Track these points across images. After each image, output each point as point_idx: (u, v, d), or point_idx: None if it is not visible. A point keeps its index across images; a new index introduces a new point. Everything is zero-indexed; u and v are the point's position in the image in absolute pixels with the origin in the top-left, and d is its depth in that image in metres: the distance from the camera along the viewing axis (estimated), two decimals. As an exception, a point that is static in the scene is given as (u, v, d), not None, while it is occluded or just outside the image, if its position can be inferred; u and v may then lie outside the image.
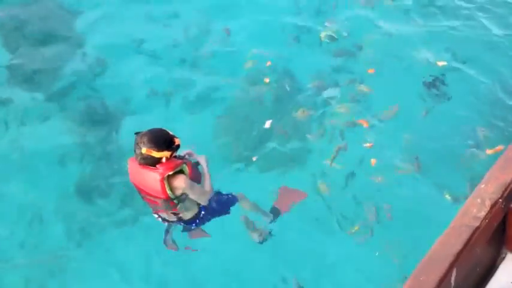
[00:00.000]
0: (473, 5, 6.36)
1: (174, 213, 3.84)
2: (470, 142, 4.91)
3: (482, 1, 6.36)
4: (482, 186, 2.30)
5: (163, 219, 3.97)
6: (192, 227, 4.05)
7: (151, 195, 3.71)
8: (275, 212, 4.56)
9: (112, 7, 6.69)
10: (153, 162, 3.52)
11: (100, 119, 5.48)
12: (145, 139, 3.45)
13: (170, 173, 3.54)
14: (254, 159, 5.01)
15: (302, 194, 4.77)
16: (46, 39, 6.25)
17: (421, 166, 4.72)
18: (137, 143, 3.49)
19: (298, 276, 4.16)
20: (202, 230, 4.22)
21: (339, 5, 6.53)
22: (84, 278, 4.30)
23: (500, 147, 4.76)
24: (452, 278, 2.13)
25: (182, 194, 3.69)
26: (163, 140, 3.49)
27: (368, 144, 4.95)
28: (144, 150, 3.45)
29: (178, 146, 3.55)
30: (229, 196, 4.14)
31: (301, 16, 6.45)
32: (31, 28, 6.42)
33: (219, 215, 4.08)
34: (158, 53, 6.07)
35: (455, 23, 6.13)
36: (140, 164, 3.55)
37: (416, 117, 5.15)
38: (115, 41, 6.24)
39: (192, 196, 3.73)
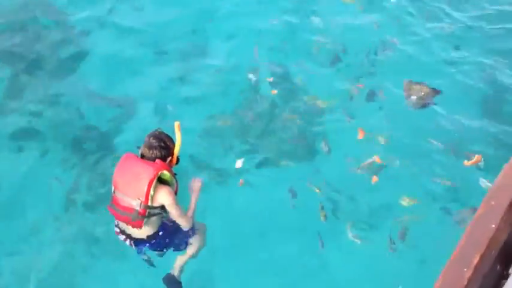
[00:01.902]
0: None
1: (134, 226, 3.78)
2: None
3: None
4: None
5: (121, 232, 3.93)
6: (142, 248, 3.97)
7: (129, 196, 3.69)
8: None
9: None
10: (156, 156, 3.68)
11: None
12: (163, 135, 3.75)
13: (164, 171, 3.67)
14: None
15: None
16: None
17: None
18: (151, 136, 3.71)
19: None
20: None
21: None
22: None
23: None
24: None
25: (157, 208, 3.74)
26: (174, 145, 3.80)
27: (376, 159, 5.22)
28: (156, 141, 3.67)
29: (177, 161, 3.85)
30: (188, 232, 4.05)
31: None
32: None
33: (172, 247, 4.07)
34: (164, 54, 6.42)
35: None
36: (141, 156, 3.71)
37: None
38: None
39: (173, 214, 3.78)
